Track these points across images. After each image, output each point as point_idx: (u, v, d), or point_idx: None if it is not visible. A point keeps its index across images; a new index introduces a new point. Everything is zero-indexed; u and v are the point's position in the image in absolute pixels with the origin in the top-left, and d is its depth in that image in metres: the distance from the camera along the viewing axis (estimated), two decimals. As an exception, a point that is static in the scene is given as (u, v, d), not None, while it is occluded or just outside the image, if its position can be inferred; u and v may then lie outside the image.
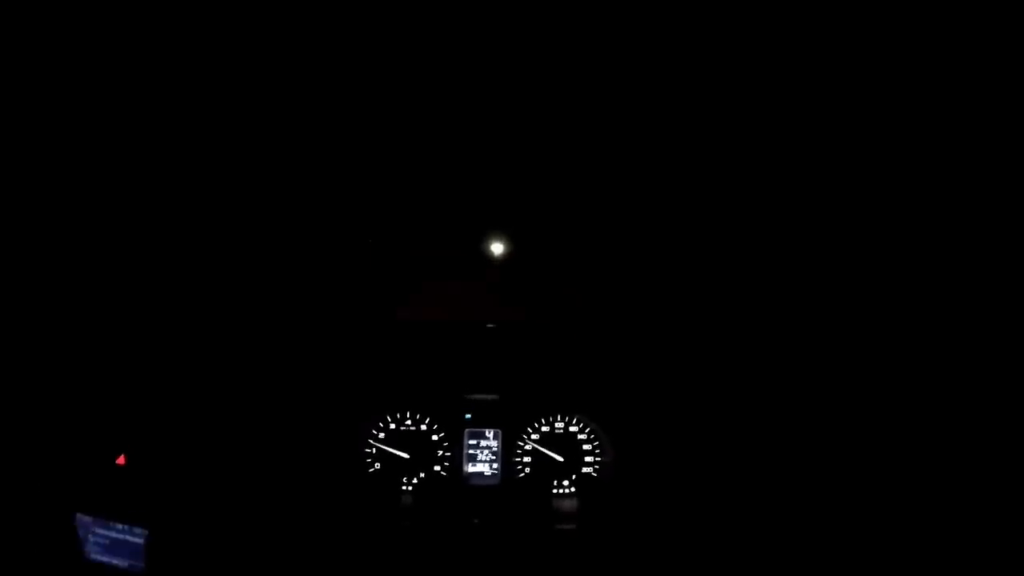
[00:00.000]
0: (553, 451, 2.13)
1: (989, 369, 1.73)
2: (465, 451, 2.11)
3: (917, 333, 1.83)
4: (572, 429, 2.15)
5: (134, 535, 1.85)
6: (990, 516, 1.66)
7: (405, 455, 2.09)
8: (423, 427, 2.11)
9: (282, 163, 2.04)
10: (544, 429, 2.14)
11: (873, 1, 1.48)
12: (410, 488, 2.10)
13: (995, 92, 1.61)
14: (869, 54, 1.61)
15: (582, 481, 2.14)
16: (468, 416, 2.11)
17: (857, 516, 1.82)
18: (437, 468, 2.11)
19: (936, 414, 1.78)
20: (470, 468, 2.12)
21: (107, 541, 1.85)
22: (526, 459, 2.14)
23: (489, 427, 2.12)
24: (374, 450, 2.10)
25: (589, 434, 2.15)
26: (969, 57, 1.58)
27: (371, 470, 2.10)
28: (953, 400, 1.76)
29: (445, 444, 2.11)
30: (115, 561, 1.85)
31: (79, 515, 1.86)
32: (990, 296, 1.73)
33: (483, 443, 2.12)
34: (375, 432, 2.10)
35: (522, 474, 2.13)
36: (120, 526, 1.85)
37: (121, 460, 1.89)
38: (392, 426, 2.10)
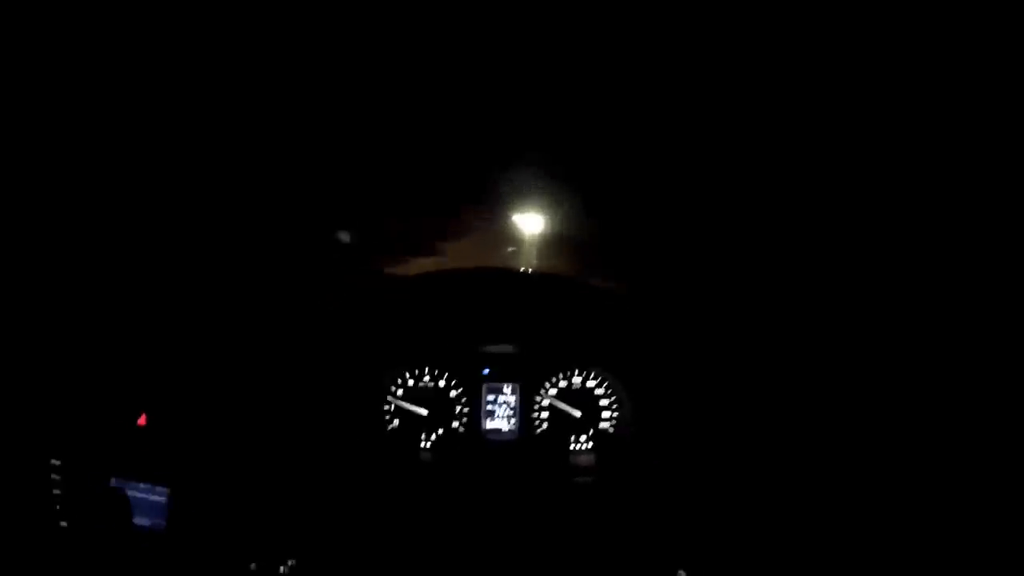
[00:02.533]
0: (571, 406, 2.12)
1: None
2: (483, 407, 2.11)
3: (926, 322, 1.80)
4: (589, 384, 2.13)
5: (156, 494, 1.87)
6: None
7: (423, 411, 2.09)
8: (441, 383, 2.10)
9: (298, 129, 2.01)
10: (562, 384, 2.13)
11: None
12: (428, 444, 2.11)
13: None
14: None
15: (599, 436, 2.14)
16: (486, 371, 2.10)
17: (875, 484, 1.81)
18: (455, 424, 2.11)
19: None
20: (488, 424, 2.12)
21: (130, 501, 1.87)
22: (543, 414, 2.13)
23: (507, 382, 2.11)
24: (392, 407, 2.09)
25: (607, 389, 2.13)
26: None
27: (389, 427, 2.10)
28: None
29: (463, 400, 2.11)
30: (138, 521, 1.87)
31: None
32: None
33: (501, 398, 2.11)
34: (393, 389, 2.09)
35: (540, 430, 2.13)
36: (142, 486, 1.87)
37: (142, 420, 1.89)
38: (410, 382, 2.09)
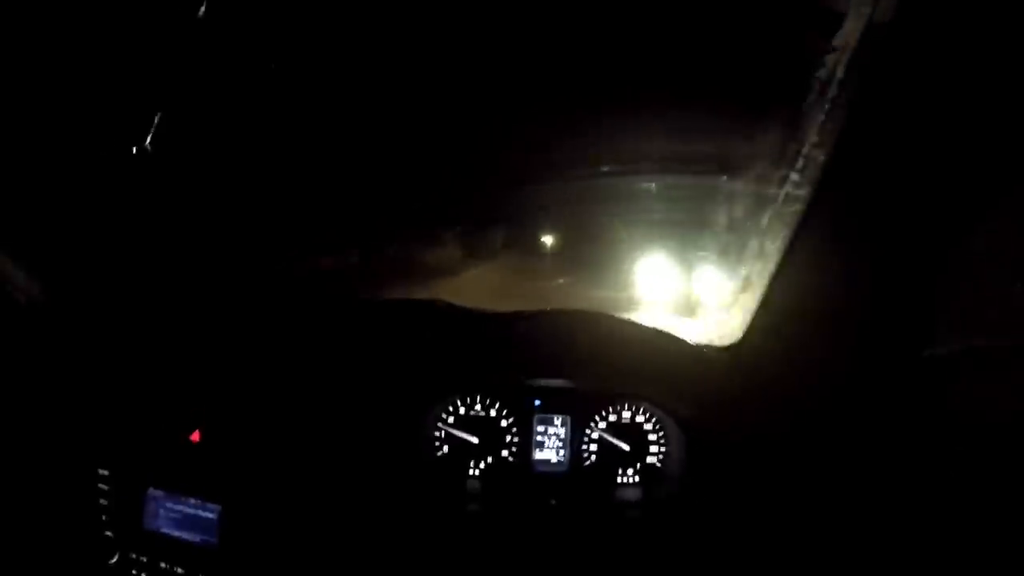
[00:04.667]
0: (620, 440, 2.12)
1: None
2: (534, 437, 2.11)
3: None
4: (639, 419, 2.14)
5: (207, 511, 1.84)
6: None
7: (473, 439, 2.08)
8: (492, 412, 2.10)
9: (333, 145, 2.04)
10: (611, 418, 2.13)
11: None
12: (477, 473, 2.10)
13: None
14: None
15: (646, 471, 2.14)
16: (537, 403, 2.11)
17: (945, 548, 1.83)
18: (505, 453, 2.10)
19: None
20: (537, 455, 2.11)
21: (179, 516, 1.84)
22: (592, 447, 2.14)
23: (558, 414, 2.11)
24: (442, 433, 2.09)
25: (655, 424, 2.14)
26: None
27: (439, 453, 2.09)
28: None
29: (514, 430, 2.10)
30: (187, 536, 1.84)
31: (151, 490, 1.85)
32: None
33: (551, 430, 2.11)
34: (444, 416, 2.09)
35: (588, 462, 2.13)
36: (193, 501, 1.84)
37: (195, 436, 1.87)
38: (461, 410, 2.09)
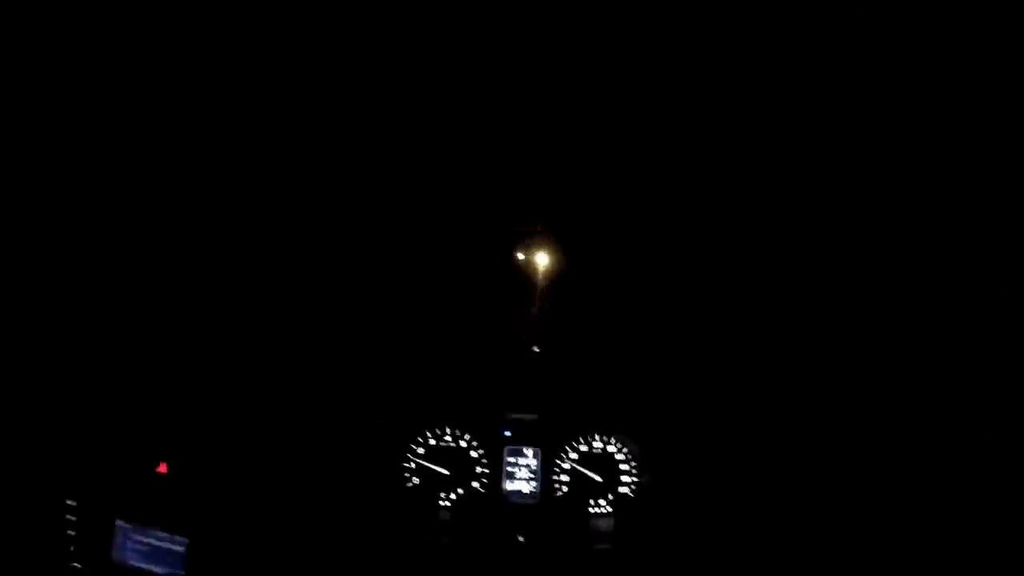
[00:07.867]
0: (591, 471, 2.13)
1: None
2: (504, 468, 2.11)
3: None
4: (610, 449, 2.15)
5: (175, 543, 1.83)
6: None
7: (444, 471, 2.08)
8: (462, 443, 2.11)
9: (323, 176, 2.07)
10: (583, 449, 2.14)
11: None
12: (448, 504, 2.09)
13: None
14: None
15: (619, 501, 2.14)
16: (507, 434, 2.12)
17: (897, 550, 1.83)
18: (475, 485, 2.11)
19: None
20: (508, 486, 2.11)
21: (147, 548, 1.84)
22: (564, 478, 2.14)
23: (528, 445, 2.12)
24: (413, 465, 2.09)
25: (627, 455, 2.15)
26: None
27: (410, 485, 2.09)
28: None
29: (484, 461, 2.11)
30: (155, 568, 1.83)
31: (119, 522, 1.85)
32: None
33: (522, 461, 2.12)
34: (415, 447, 2.09)
35: (560, 493, 2.13)
36: (161, 534, 1.84)
37: (163, 468, 1.88)
38: (432, 442, 2.10)
